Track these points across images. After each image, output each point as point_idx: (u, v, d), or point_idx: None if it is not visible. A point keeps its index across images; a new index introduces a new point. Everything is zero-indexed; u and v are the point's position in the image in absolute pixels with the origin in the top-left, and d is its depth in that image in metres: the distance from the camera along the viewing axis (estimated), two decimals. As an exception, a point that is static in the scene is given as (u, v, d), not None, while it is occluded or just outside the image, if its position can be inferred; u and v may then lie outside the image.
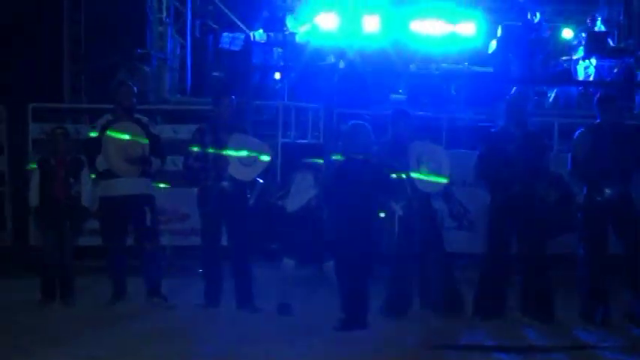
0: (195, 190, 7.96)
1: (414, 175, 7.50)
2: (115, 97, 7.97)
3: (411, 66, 12.79)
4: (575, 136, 7.79)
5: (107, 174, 7.84)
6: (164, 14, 12.94)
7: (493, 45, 13.28)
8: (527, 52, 13.18)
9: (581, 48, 13.33)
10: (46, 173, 7.96)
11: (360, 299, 7.18)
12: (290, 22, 13.10)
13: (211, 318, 7.43)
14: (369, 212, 7.25)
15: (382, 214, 7.47)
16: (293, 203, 7.77)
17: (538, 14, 13.44)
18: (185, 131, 10.14)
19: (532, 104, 8.37)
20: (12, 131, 10.07)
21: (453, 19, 12.93)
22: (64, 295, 7.97)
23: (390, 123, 7.78)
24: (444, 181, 7.61)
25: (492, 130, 7.97)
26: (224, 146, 7.68)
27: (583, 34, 13.43)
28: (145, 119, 8.03)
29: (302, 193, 7.76)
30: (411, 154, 7.53)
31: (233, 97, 7.95)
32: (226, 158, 7.66)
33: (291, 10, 13.19)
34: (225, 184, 7.71)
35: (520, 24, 13.29)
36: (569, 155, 7.76)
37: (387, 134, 7.78)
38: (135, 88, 8.15)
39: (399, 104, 12.04)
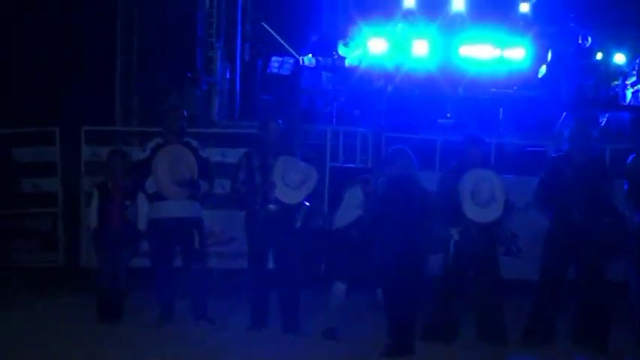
0: (243, 213, 8.02)
1: (465, 206, 7.47)
2: (165, 121, 8.08)
3: (459, 90, 12.75)
4: (628, 161, 7.70)
5: (156, 196, 7.93)
6: (214, 38, 13.09)
7: (543, 70, 13.19)
8: (578, 77, 13.06)
9: (635, 73, 13.17)
10: (103, 196, 8.10)
11: (408, 325, 7.15)
12: (339, 47, 13.16)
13: (256, 340, 7.45)
14: (416, 238, 7.23)
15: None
16: (341, 219, 7.78)
17: (589, 38, 13.32)
18: (233, 155, 10.21)
19: (598, 130, 8.30)
20: (65, 153, 10.22)
21: (501, 44, 12.88)
22: (116, 316, 8.07)
23: (462, 148, 7.75)
24: (496, 213, 7.54)
25: (554, 155, 7.93)
26: (271, 170, 7.74)
27: (638, 60, 13.26)
28: (194, 142, 8.11)
29: (351, 209, 7.76)
30: (464, 184, 7.51)
31: (280, 120, 8.01)
32: (273, 182, 7.71)
33: (341, 35, 13.25)
34: (272, 207, 7.76)
35: (571, 48, 13.19)
36: (625, 181, 7.66)
37: (455, 159, 7.78)
38: (185, 112, 8.26)
39: (447, 129, 12.05)
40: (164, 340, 7.41)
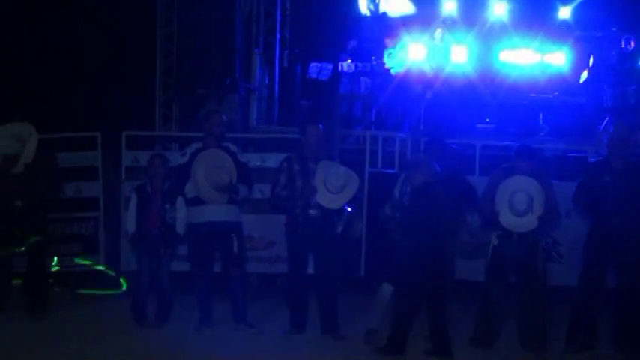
0: (282, 217, 8.05)
1: (502, 214, 7.46)
2: (205, 126, 8.13)
3: (498, 96, 12.69)
4: None
5: (195, 201, 7.98)
6: (253, 44, 13.17)
7: (584, 75, 13.08)
8: (620, 82, 12.93)
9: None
10: (142, 200, 8.17)
11: (442, 329, 7.15)
12: (385, 57, 13.15)
13: (296, 344, 7.48)
14: (439, 245, 7.22)
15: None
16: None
17: (632, 43, 13.17)
18: (272, 160, 10.27)
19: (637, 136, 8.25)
20: (106, 158, 10.34)
21: (542, 49, 12.79)
22: (157, 318, 8.15)
23: (514, 157, 7.75)
24: (532, 224, 7.51)
25: (592, 160, 7.88)
26: (312, 174, 7.77)
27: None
28: (233, 147, 8.17)
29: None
30: (503, 191, 7.49)
31: (321, 125, 8.04)
32: (314, 186, 7.74)
33: (380, 41, 13.25)
34: (312, 212, 7.79)
35: (613, 53, 13.06)
36: None
37: (504, 166, 7.78)
38: (224, 117, 8.32)
39: (487, 134, 12.01)
40: (204, 344, 7.46)
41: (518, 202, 7.44)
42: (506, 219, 7.48)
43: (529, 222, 7.50)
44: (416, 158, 7.67)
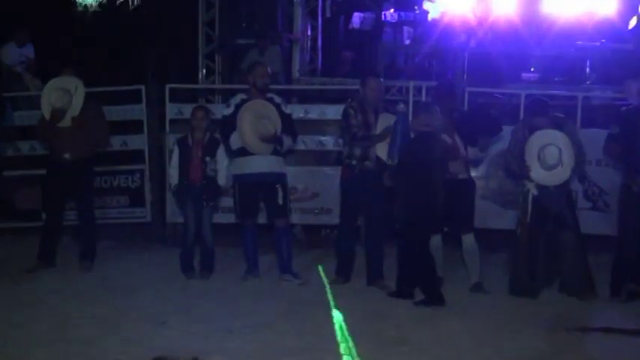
0: (326, 169, 8.04)
1: (532, 168, 7.46)
2: (249, 77, 8.15)
3: (543, 44, 12.51)
4: None
5: (241, 152, 8.03)
6: (295, -5, 13.12)
7: (634, 21, 12.82)
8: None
9: None
10: (184, 152, 8.22)
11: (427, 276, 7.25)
12: (421, 2, 13.03)
13: (341, 294, 7.55)
14: (433, 186, 7.24)
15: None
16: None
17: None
18: (316, 111, 10.31)
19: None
20: (151, 111, 10.44)
21: (589, -5, 12.55)
22: (203, 270, 8.25)
23: (527, 111, 7.71)
24: (563, 177, 7.50)
25: (623, 108, 7.78)
26: (372, 127, 7.78)
27: None
28: (277, 98, 8.18)
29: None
30: (531, 147, 7.48)
31: (381, 78, 8.01)
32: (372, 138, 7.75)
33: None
34: (368, 164, 7.81)
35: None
36: None
37: (523, 119, 7.74)
38: (268, 69, 8.33)
39: (532, 83, 11.87)
40: (251, 295, 7.56)
41: (548, 156, 7.47)
42: (538, 174, 7.52)
43: (561, 174, 7.54)
44: (420, 105, 7.62)
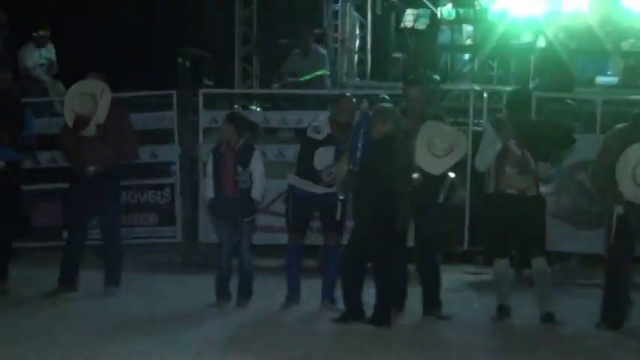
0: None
1: (624, 185, 7.33)
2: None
3: (622, 44, 12.33)
4: None
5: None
6: (343, -9, 13.11)
7: None
8: None
9: None
10: (217, 163, 8.13)
11: (382, 297, 7.33)
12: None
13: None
14: (389, 204, 7.26)
15: None
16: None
17: None
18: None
19: None
20: (183, 119, 10.43)
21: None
22: (240, 296, 8.16)
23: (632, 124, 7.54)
24: None
25: None
26: (415, 135, 7.67)
27: None
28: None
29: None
30: (626, 160, 7.33)
31: (428, 83, 7.96)
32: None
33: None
34: (414, 176, 7.68)
35: None
36: None
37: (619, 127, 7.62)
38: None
39: (608, 87, 11.71)
40: (292, 324, 7.52)
41: None
42: (630, 189, 7.31)
43: None
44: (381, 106, 7.57)
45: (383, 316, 7.28)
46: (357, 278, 7.38)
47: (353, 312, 7.36)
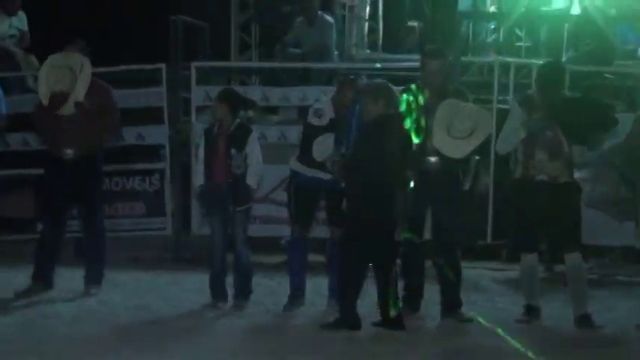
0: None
1: None
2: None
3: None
4: None
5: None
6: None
7: None
8: None
9: None
10: (209, 146, 8.11)
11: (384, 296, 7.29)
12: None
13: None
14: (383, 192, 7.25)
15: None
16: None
17: None
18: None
19: None
20: (173, 96, 10.36)
21: None
22: (238, 296, 8.12)
23: None
24: None
25: None
26: (433, 114, 7.64)
27: None
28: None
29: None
30: None
31: (449, 57, 7.95)
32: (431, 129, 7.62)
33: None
34: (433, 160, 7.65)
35: None
36: None
37: None
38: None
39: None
40: (298, 328, 7.51)
41: None
42: None
43: None
44: (370, 82, 7.57)
45: (395, 318, 7.22)
46: (356, 278, 7.31)
47: (347, 318, 7.27)
